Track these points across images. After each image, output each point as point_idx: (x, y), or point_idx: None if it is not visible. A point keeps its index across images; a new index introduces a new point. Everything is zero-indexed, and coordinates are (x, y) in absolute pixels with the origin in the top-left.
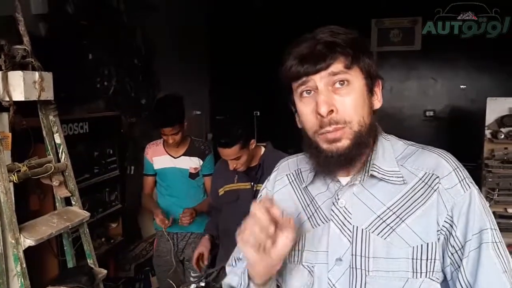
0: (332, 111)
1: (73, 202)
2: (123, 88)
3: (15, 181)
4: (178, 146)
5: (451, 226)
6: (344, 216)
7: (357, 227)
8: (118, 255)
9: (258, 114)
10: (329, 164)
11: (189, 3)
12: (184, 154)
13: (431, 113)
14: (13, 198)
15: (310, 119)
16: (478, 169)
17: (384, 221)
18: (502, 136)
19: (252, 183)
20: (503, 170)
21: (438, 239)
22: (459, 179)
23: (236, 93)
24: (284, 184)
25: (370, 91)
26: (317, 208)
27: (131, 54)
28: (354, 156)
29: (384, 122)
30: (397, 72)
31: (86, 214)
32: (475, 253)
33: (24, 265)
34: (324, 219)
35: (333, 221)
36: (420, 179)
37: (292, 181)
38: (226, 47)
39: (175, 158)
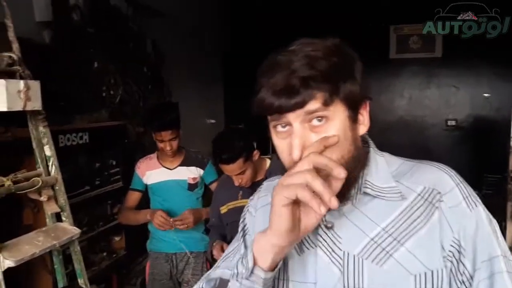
0: None
1: (64, 218)
2: (130, 97)
3: None
4: (174, 156)
5: (459, 251)
6: (332, 241)
7: (348, 253)
8: (122, 270)
9: None
10: None
11: (202, 10)
12: (180, 165)
13: (453, 123)
14: None
15: (284, 156)
16: (503, 182)
17: (379, 245)
18: None
19: None
20: None
21: (445, 265)
22: (463, 196)
23: (251, 102)
24: (268, 202)
25: (354, 121)
26: None
27: (140, 62)
28: (338, 197)
29: (404, 131)
30: (416, 80)
31: (76, 231)
32: (486, 284)
33: (3, 287)
34: (310, 244)
35: (320, 247)
36: (419, 194)
37: None
38: (241, 53)
39: (171, 169)
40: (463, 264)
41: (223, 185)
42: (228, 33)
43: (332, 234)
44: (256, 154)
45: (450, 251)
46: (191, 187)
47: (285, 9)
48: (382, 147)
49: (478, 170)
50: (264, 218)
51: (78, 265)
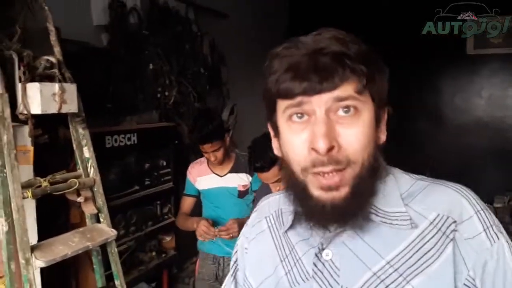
0: (333, 147)
1: (101, 220)
2: (186, 98)
3: (30, 198)
4: (222, 164)
5: None
6: (330, 273)
7: None
8: (172, 269)
9: None
10: (320, 217)
11: (262, 9)
12: (230, 172)
13: None
14: (25, 216)
15: (299, 152)
16: None
17: (382, 281)
18: None
19: None
20: None
21: None
22: (483, 226)
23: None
24: (262, 230)
25: (377, 123)
26: (297, 260)
27: (197, 63)
28: (355, 209)
29: (482, 134)
30: (497, 78)
31: (113, 233)
32: None
33: (34, 287)
34: (305, 276)
35: (315, 280)
36: (431, 223)
37: (272, 225)
38: None
39: (221, 176)
40: None
41: (263, 192)
42: (287, 33)
43: (329, 265)
44: None
45: None
46: (241, 194)
47: (345, 6)
48: (457, 150)
49: None
50: (257, 251)
51: (115, 266)
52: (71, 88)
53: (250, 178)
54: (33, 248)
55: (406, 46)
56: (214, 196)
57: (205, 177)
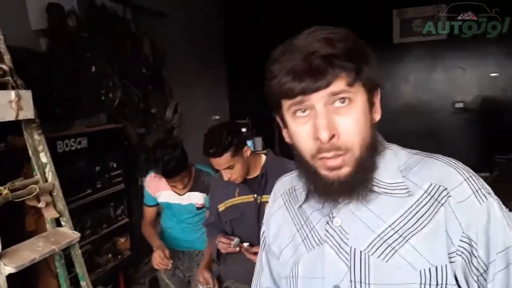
0: (333, 135)
1: (63, 223)
2: (130, 99)
3: None
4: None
5: (470, 245)
6: (340, 237)
7: (354, 249)
8: (128, 270)
9: None
10: (329, 192)
11: (202, 6)
12: (190, 190)
13: (461, 105)
14: None
15: (306, 142)
16: None
17: (385, 241)
18: None
19: (255, 195)
20: None
21: (453, 262)
22: (472, 190)
23: (256, 96)
24: (279, 206)
25: (371, 105)
26: (312, 228)
27: (139, 64)
28: (358, 183)
29: (411, 117)
30: (422, 63)
31: (76, 235)
32: (502, 275)
33: None
34: (319, 240)
35: (328, 243)
36: (425, 191)
37: (286, 201)
38: (244, 47)
39: (180, 195)
40: (477, 258)
41: (220, 184)
42: (228, 28)
43: (339, 231)
44: (247, 150)
45: (460, 246)
46: (199, 208)
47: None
48: (389, 135)
49: (488, 151)
50: (277, 224)
51: (80, 268)
52: (27, 95)
53: (205, 196)
54: (1, 255)
55: None
56: (173, 209)
57: (165, 192)
